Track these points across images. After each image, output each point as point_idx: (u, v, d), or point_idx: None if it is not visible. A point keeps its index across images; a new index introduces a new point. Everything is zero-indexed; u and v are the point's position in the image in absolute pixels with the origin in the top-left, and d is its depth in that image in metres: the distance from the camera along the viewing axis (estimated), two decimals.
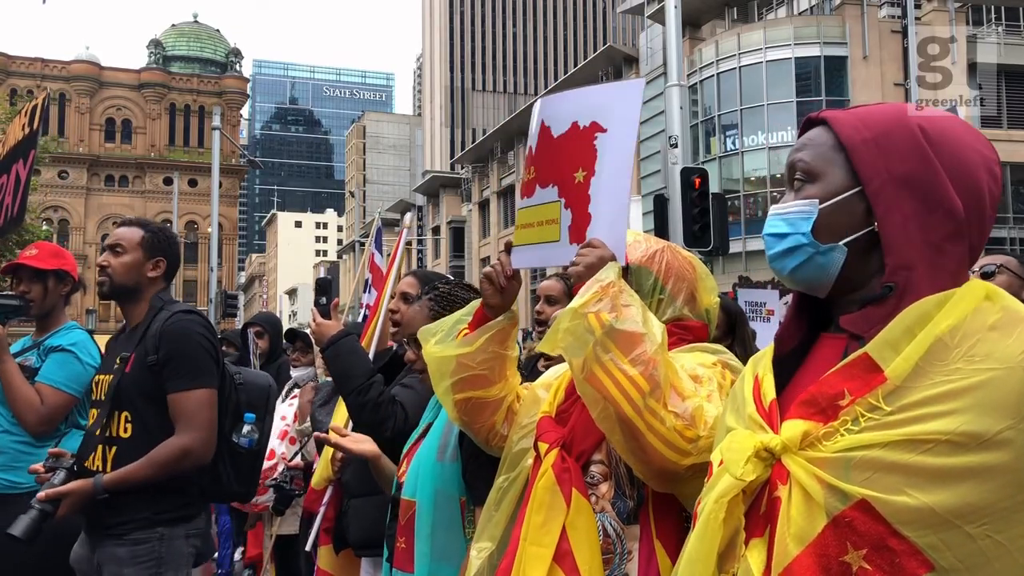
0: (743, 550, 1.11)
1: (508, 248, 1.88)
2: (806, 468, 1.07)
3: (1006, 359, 1.02)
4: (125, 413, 2.62)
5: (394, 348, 3.24)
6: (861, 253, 1.17)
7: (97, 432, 2.66)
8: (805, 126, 1.28)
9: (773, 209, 1.25)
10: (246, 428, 2.78)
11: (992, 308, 1.08)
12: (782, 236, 1.21)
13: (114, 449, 2.61)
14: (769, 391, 1.20)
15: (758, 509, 1.12)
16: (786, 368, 1.24)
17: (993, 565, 0.99)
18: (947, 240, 1.13)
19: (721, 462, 1.16)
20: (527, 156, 1.92)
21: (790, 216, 1.21)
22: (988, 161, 1.17)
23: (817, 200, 1.18)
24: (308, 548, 3.42)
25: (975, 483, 0.99)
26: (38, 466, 2.63)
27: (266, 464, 4.08)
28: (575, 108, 1.80)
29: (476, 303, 1.93)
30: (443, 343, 1.90)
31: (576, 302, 1.49)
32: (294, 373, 4.64)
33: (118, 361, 2.70)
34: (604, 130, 1.74)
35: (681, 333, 1.74)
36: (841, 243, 1.17)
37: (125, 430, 2.61)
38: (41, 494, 2.49)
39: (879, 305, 1.13)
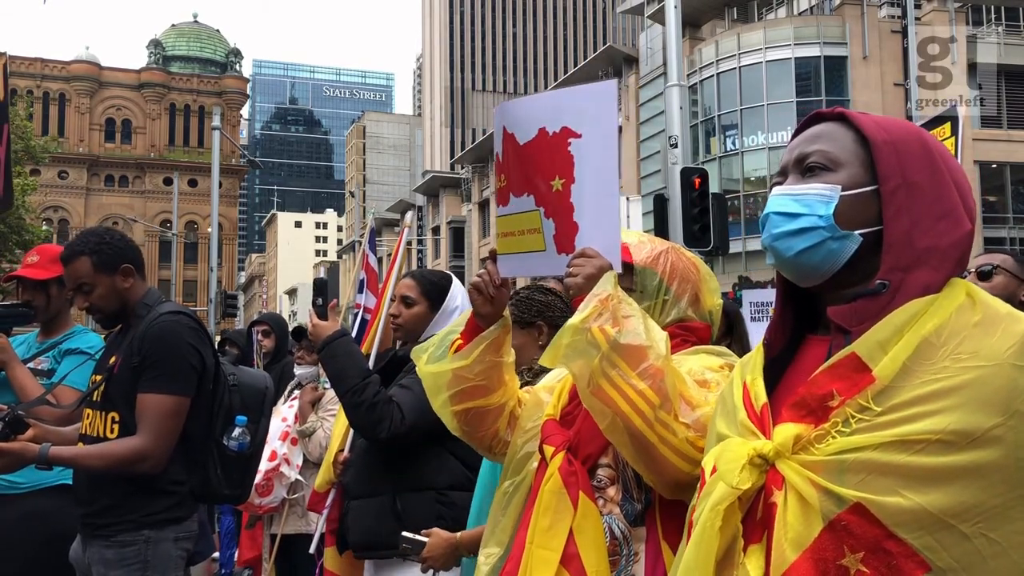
0: (741, 557, 1.11)
1: (493, 256, 1.84)
2: (800, 473, 1.07)
3: (992, 356, 1.03)
4: (113, 414, 2.61)
5: (394, 350, 3.25)
6: (865, 250, 1.18)
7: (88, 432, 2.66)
8: (811, 121, 1.28)
9: (780, 189, 1.24)
10: (236, 431, 2.74)
11: (973, 307, 1.10)
12: (793, 216, 1.20)
13: None
14: (760, 395, 1.20)
15: (754, 515, 1.12)
16: (774, 371, 1.24)
17: (989, 564, 0.99)
18: (951, 247, 1.16)
19: (714, 469, 1.16)
20: (495, 163, 1.86)
21: (806, 198, 1.20)
22: (970, 189, 1.22)
23: (840, 186, 1.19)
24: (312, 551, 3.43)
25: (967, 481, 0.99)
26: None
27: (269, 465, 4.09)
28: (540, 114, 1.73)
29: (467, 314, 1.89)
30: (436, 359, 1.86)
31: (576, 318, 1.47)
32: (298, 371, 4.63)
33: (108, 363, 2.69)
34: (578, 135, 1.67)
35: (684, 335, 1.73)
36: (856, 233, 1.18)
37: (112, 430, 2.59)
38: None
39: (871, 301, 1.14)
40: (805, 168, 1.23)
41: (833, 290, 1.21)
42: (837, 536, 1.03)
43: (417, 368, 1.91)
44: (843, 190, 1.18)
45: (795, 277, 1.23)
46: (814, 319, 1.26)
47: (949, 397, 1.02)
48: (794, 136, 1.29)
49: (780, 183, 1.25)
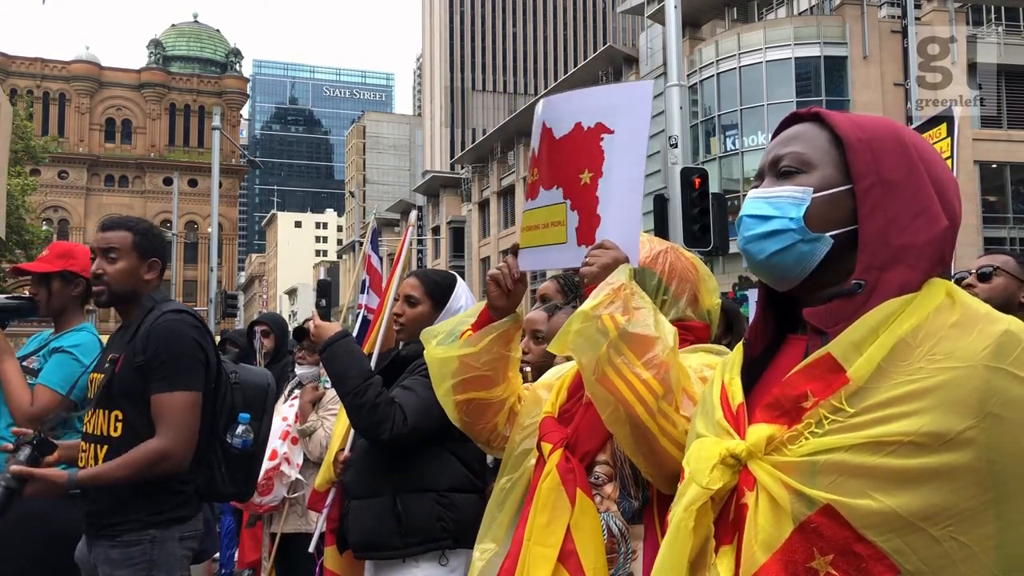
0: (713, 558, 1.11)
1: (515, 250, 1.86)
2: (772, 474, 1.07)
3: (967, 357, 1.01)
4: (116, 412, 2.60)
5: (396, 350, 3.24)
6: (841, 251, 1.17)
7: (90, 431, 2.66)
8: (788, 122, 1.28)
9: (755, 192, 1.24)
10: (240, 429, 2.74)
11: (952, 307, 1.08)
12: (765, 218, 1.20)
13: (105, 448, 2.59)
14: (736, 395, 1.20)
15: (727, 516, 1.12)
16: (753, 371, 1.24)
17: (958, 567, 0.98)
18: (927, 244, 1.14)
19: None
20: (530, 158, 1.90)
21: (778, 200, 1.20)
22: (957, 187, 1.21)
23: (811, 188, 1.18)
24: (311, 550, 3.43)
25: (938, 484, 0.98)
26: (8, 445, 2.60)
27: (268, 464, 4.09)
28: (578, 109, 1.78)
29: (480, 305, 1.93)
30: (445, 344, 1.89)
31: (588, 304, 1.49)
32: (298, 371, 4.63)
33: (109, 361, 2.69)
34: (611, 131, 1.72)
35: (683, 334, 1.73)
36: (827, 235, 1.17)
37: (116, 429, 2.59)
38: (12, 468, 2.43)
39: (846, 301, 1.13)
40: (780, 171, 1.22)
41: (810, 291, 1.20)
42: (807, 538, 1.02)
43: (425, 352, 1.93)
44: (815, 191, 1.18)
45: (770, 280, 1.24)
46: (795, 319, 1.26)
47: (923, 399, 1.01)
48: (772, 137, 1.29)
49: (758, 186, 1.25)
